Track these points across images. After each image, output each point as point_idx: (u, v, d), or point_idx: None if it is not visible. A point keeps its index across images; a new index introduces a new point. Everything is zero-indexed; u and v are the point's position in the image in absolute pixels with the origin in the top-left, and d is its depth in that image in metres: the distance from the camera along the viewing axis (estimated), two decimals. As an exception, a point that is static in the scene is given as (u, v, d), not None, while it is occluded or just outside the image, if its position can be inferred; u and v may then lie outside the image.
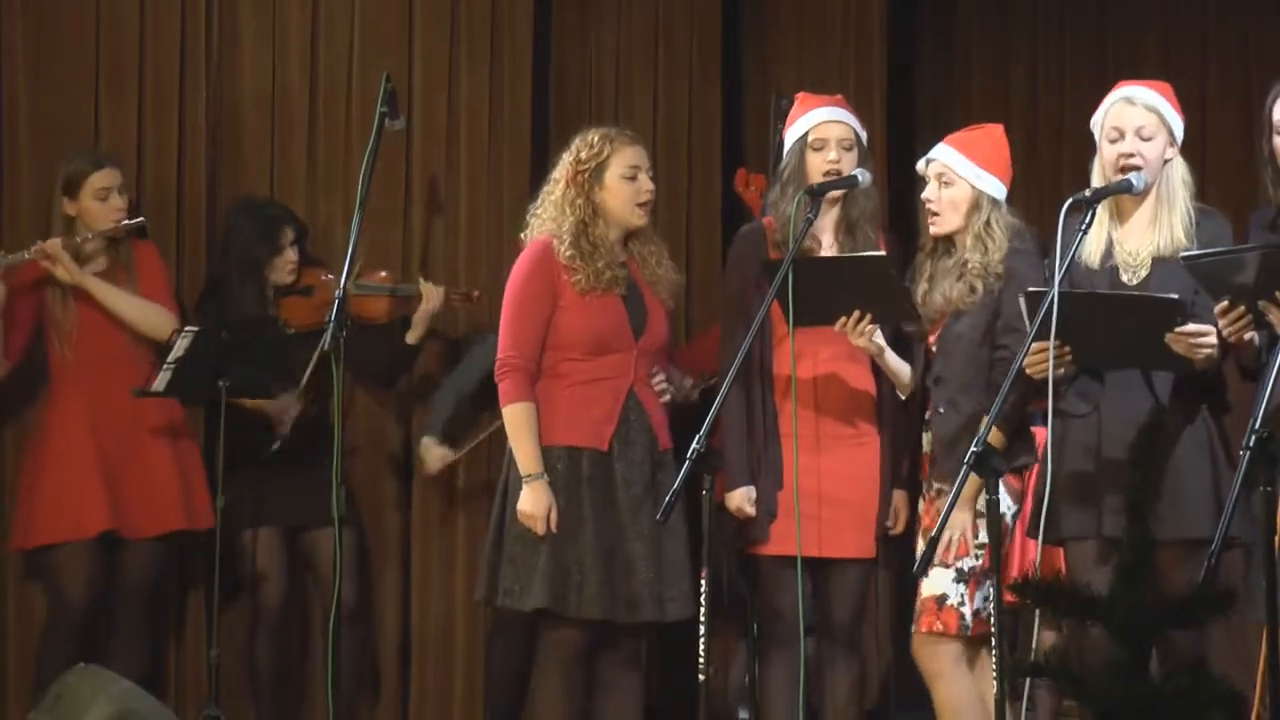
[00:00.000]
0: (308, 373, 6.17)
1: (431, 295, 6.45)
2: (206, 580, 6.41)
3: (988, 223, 5.24)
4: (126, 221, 6.20)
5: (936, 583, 5.19)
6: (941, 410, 5.26)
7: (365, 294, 6.43)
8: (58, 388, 6.21)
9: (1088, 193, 4.93)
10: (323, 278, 6.41)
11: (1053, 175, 7.73)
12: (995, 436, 5.02)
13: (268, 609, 6.39)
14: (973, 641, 5.21)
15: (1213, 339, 4.77)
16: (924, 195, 5.33)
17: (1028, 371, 4.82)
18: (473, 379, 6.50)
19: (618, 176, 5.42)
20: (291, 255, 6.42)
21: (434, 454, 6.60)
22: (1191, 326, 4.75)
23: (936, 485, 5.28)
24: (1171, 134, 5.04)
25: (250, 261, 6.35)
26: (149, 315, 6.22)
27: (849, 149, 5.45)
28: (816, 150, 5.44)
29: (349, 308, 6.02)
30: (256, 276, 6.36)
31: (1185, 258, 4.75)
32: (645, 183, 5.45)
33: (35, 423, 6.27)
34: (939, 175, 5.30)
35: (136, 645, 6.23)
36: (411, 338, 6.49)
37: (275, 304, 6.42)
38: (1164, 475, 4.32)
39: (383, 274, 6.52)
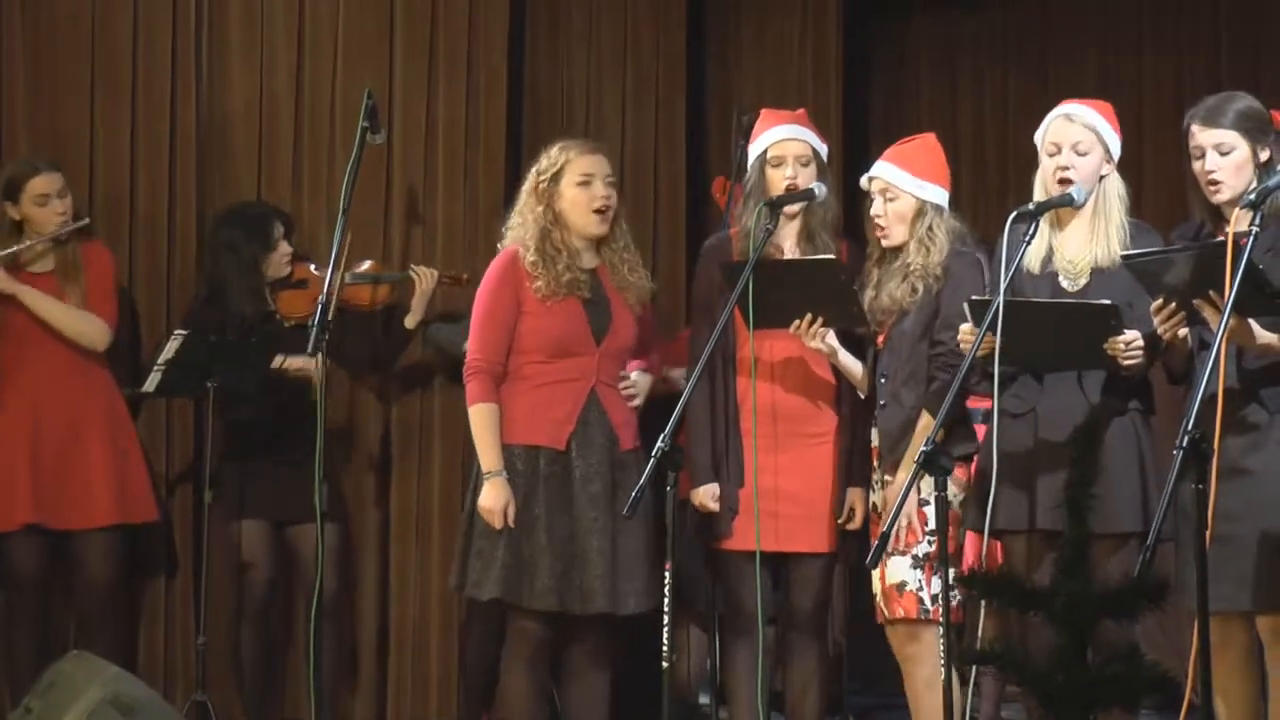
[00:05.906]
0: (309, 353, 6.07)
1: (425, 277, 6.54)
2: (193, 571, 6.56)
3: (930, 228, 5.38)
4: (70, 225, 6.25)
5: (894, 571, 5.31)
6: (883, 403, 5.41)
7: (354, 283, 6.49)
8: None
9: (1031, 205, 5.10)
10: (314, 271, 6.48)
11: (999, 184, 7.95)
12: (929, 427, 5.17)
13: (253, 599, 6.45)
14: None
15: (1140, 342, 4.94)
16: (871, 212, 5.46)
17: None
18: (453, 337, 6.57)
19: (572, 183, 5.56)
20: (286, 248, 6.48)
21: None
22: (1124, 335, 4.92)
23: (885, 477, 5.42)
24: (1108, 150, 5.20)
25: (245, 262, 6.40)
26: (78, 325, 6.24)
27: (805, 165, 5.56)
28: (775, 167, 5.56)
29: (339, 297, 6.16)
30: (252, 275, 6.41)
31: (1125, 257, 4.90)
32: (599, 189, 5.58)
33: None
34: (883, 191, 5.43)
35: (103, 635, 6.27)
36: (410, 321, 6.57)
37: (272, 299, 6.48)
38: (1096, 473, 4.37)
39: (368, 263, 6.61)
